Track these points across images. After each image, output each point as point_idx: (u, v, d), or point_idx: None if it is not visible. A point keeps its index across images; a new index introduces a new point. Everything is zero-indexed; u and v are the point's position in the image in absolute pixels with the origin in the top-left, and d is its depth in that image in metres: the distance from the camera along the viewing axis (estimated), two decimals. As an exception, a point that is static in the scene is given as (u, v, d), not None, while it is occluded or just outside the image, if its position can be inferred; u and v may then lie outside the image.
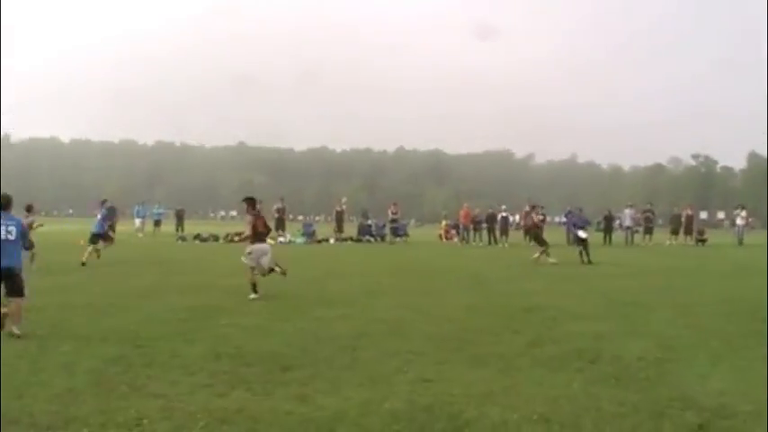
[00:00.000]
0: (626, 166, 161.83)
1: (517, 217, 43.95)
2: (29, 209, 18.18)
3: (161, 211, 49.15)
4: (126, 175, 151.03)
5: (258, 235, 14.28)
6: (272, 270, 14.64)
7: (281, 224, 38.87)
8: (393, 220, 40.81)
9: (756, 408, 6.08)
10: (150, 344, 8.79)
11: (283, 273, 14.91)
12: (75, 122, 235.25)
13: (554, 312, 11.89)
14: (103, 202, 28.33)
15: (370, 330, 9.98)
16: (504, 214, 40.02)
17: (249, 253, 14.14)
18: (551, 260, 23.03)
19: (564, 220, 43.17)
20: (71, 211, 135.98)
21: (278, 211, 39.16)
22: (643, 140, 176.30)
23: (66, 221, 73.88)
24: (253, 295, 13.62)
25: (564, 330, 10.17)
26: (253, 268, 14.06)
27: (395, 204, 42.10)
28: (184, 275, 17.82)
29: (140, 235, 42.66)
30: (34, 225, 18.30)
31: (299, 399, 6.38)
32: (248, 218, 14.32)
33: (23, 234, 9.95)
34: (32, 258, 16.78)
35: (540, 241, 24.43)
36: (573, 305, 12.86)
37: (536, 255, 23.54)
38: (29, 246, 11.74)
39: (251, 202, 14.47)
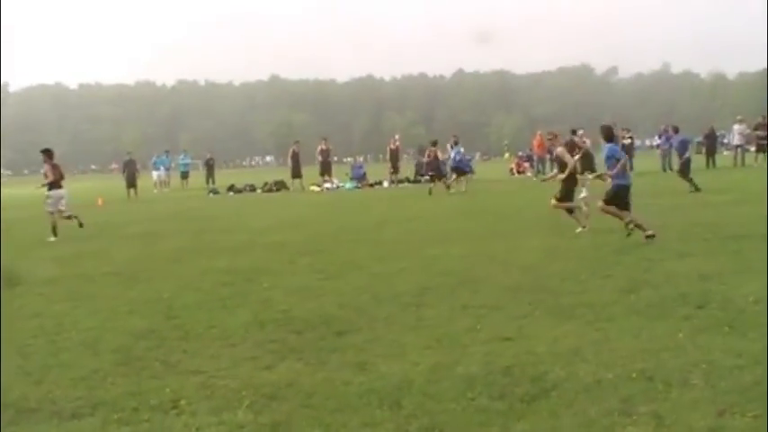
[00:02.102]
0: (731, 74, 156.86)
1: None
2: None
3: (187, 161, 49.64)
4: (145, 122, 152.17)
5: (56, 182, 18.34)
6: (69, 216, 18.68)
7: (326, 168, 38.89)
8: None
9: None
10: (185, 314, 8.91)
11: (80, 224, 18.75)
12: (83, 66, 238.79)
13: (651, 251, 11.71)
14: (455, 138, 32.41)
15: (435, 284, 9.96)
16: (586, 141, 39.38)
17: (48, 197, 18.32)
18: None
19: (658, 142, 42.26)
20: (93, 166, 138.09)
21: (321, 153, 39.10)
22: (749, 40, 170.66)
23: (79, 179, 75.27)
24: (52, 238, 17.86)
25: (663, 271, 10.01)
26: (60, 211, 18.36)
27: (455, 137, 41.75)
28: (219, 233, 18.02)
29: (155, 191, 43.26)
30: None
31: (358, 367, 6.40)
32: (46, 167, 18.64)
33: None
34: None
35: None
36: (673, 241, 12.64)
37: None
38: None
39: (47, 153, 18.78)
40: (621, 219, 13.23)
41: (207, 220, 22.82)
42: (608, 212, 13.45)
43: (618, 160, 13.42)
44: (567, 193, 15.16)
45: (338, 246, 14.57)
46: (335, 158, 46.27)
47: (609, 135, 14.18)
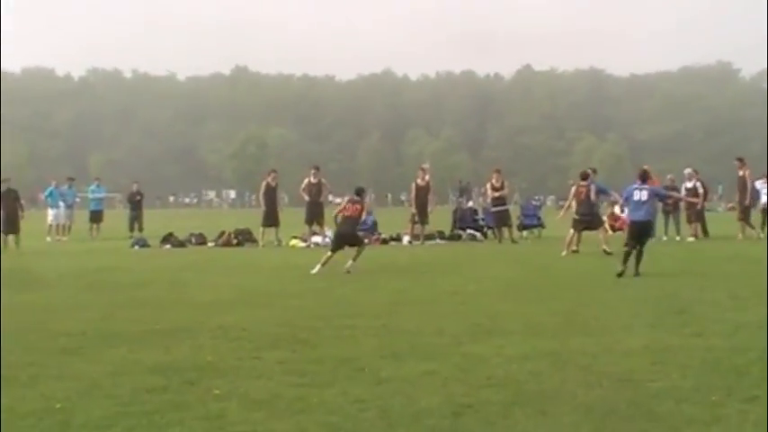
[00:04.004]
0: None
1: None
2: None
3: (101, 195, 49.37)
4: (37, 132, 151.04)
5: None
6: None
7: (315, 213, 38.27)
8: (498, 199, 39.54)
9: None
10: (86, 439, 8.86)
11: None
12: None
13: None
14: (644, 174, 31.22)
15: (478, 400, 9.92)
16: (689, 183, 39.04)
17: None
18: None
19: None
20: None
21: (309, 189, 38.40)
22: None
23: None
24: None
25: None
26: None
27: (497, 172, 40.70)
28: (146, 309, 17.96)
29: (48, 239, 43.85)
30: None
31: None
32: None
33: None
34: None
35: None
36: None
37: None
38: None
39: None
40: None
41: (127, 287, 22.68)
42: None
43: None
44: None
45: (329, 334, 14.52)
46: (330, 198, 45.99)
47: None
